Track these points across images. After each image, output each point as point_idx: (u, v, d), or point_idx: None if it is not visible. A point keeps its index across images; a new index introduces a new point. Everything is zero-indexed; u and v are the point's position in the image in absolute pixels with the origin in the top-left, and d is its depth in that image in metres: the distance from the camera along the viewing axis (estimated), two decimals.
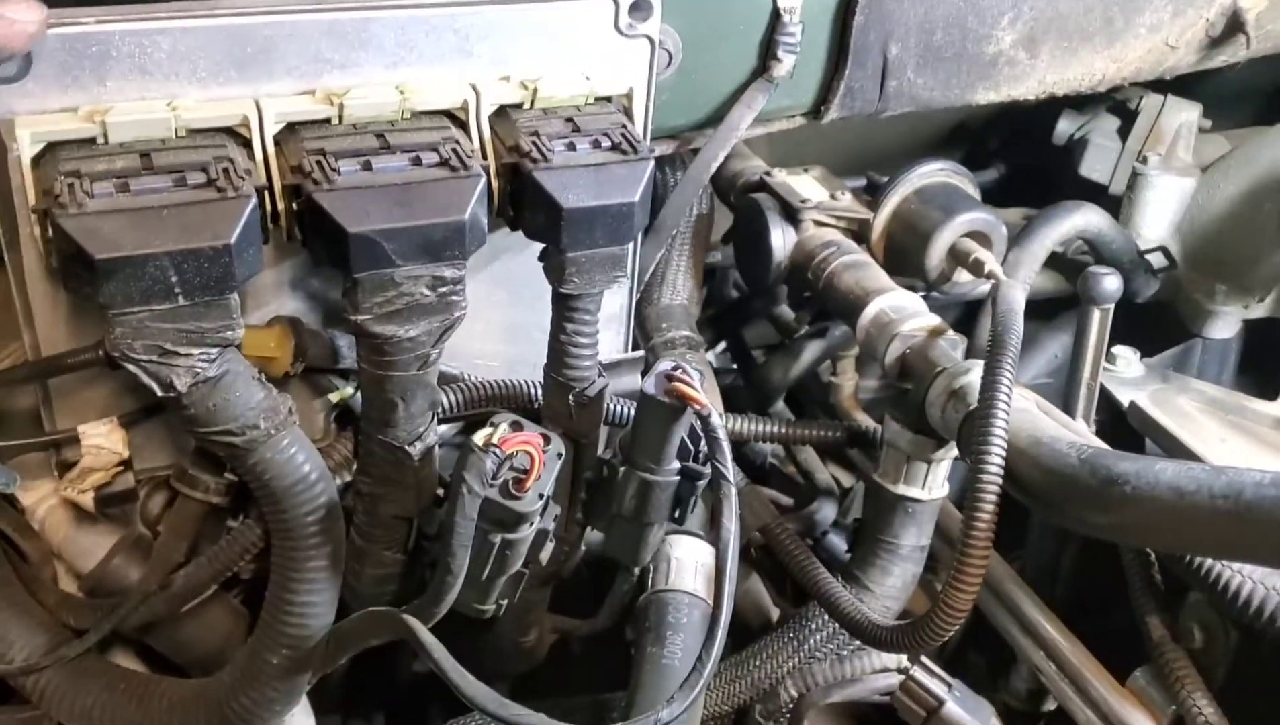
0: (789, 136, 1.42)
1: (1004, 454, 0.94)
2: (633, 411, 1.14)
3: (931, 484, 1.13)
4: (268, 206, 0.89)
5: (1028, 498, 0.96)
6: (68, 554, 1.09)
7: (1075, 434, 1.01)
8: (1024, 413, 1.00)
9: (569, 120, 0.99)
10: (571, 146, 0.97)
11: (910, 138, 1.85)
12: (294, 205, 0.90)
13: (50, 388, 1.00)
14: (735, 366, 1.76)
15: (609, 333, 1.21)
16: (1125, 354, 1.33)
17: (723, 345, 1.77)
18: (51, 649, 1.04)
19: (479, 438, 0.90)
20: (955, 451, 1.09)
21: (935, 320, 1.14)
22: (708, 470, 0.98)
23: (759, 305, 1.65)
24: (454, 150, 0.92)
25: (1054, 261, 1.49)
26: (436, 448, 1.03)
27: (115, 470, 1.04)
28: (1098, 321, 1.20)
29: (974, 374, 1.03)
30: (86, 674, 1.05)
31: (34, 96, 0.86)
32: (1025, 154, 1.82)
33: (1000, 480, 0.93)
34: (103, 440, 1.01)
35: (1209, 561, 0.98)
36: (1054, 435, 0.96)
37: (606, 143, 0.98)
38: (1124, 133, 1.66)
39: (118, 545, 1.08)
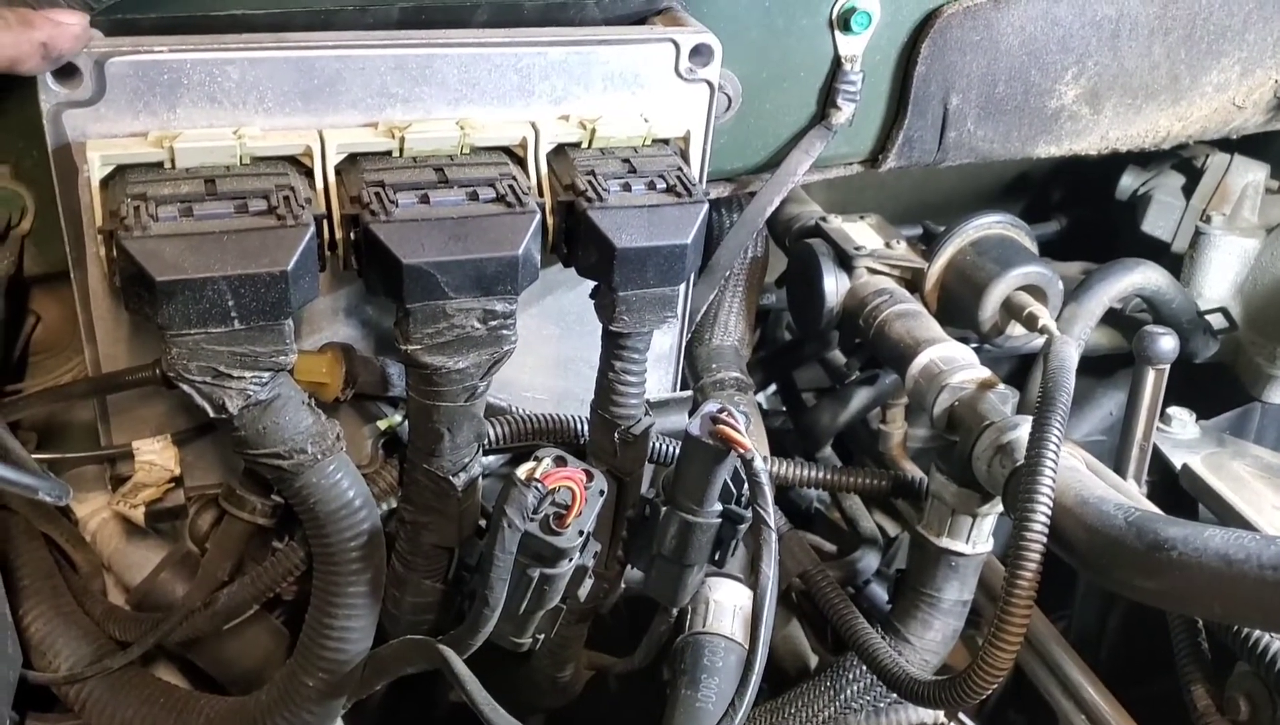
0: (847, 182, 1.42)
1: (1049, 512, 0.92)
2: (677, 451, 1.14)
3: (976, 538, 1.11)
4: (326, 235, 0.91)
5: (1072, 558, 0.95)
6: (117, 567, 1.11)
7: (1124, 495, 0.99)
8: (1071, 471, 0.99)
9: (625, 161, 1.00)
10: (627, 187, 0.98)
11: (970, 188, 1.84)
12: (351, 235, 0.91)
13: (108, 404, 1.02)
14: (785, 409, 1.75)
15: (658, 371, 1.22)
16: (1180, 415, 1.31)
17: (773, 387, 1.77)
18: (96, 660, 1.06)
19: (522, 472, 0.90)
20: (1001, 507, 1.08)
21: (985, 373, 1.13)
22: (749, 514, 0.98)
23: (811, 349, 1.65)
24: (511, 186, 0.93)
25: (1112, 318, 1.48)
26: (481, 479, 1.04)
27: (166, 487, 1.06)
28: (1152, 381, 1.19)
29: (1022, 430, 1.02)
30: (127, 686, 1.06)
31: (106, 120, 0.89)
32: (1087, 208, 1.81)
33: (1045, 538, 0.92)
34: (156, 457, 1.03)
35: (1257, 632, 0.96)
36: (1101, 495, 0.94)
37: (662, 184, 0.99)
38: (1188, 191, 1.64)
39: (165, 560, 1.10)
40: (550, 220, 0.97)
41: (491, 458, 1.16)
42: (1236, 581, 0.82)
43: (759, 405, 1.61)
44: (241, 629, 1.10)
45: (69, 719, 1.09)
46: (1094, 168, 1.72)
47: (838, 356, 1.63)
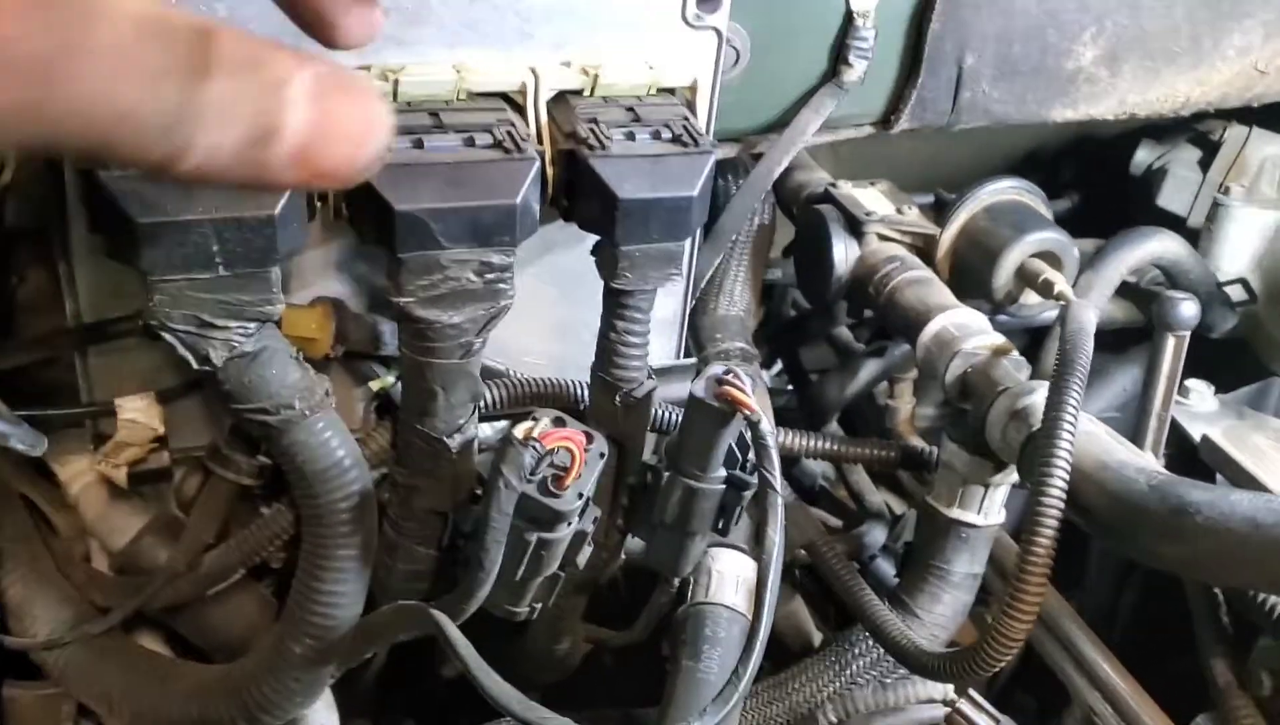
0: (855, 154, 1.38)
1: (1067, 478, 0.89)
2: (680, 419, 1.11)
3: (988, 509, 1.08)
4: None
5: (1092, 525, 0.91)
6: (100, 531, 1.08)
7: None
8: (1091, 436, 0.95)
9: (629, 109, 0.96)
10: (630, 136, 0.94)
11: (982, 162, 1.80)
12: None
13: (89, 358, 0.98)
14: (790, 387, 1.72)
15: (662, 338, 1.18)
16: (1199, 387, 1.28)
17: (779, 366, 1.73)
18: (75, 625, 1.03)
19: (519, 431, 0.87)
20: (1014, 476, 1.05)
21: (999, 339, 1.10)
22: (754, 480, 0.95)
23: (817, 325, 1.61)
24: (509, 132, 0.90)
25: (1127, 291, 1.45)
26: (477, 445, 1.00)
27: (150, 447, 1.02)
28: (1172, 348, 1.15)
29: (1038, 395, 0.99)
30: (108, 653, 1.03)
31: None
32: (1101, 184, 1.77)
33: (1062, 505, 0.88)
34: (139, 415, 1.00)
35: None
36: (1122, 459, 0.91)
37: (667, 134, 0.95)
38: (1205, 164, 1.60)
39: (149, 524, 1.07)
40: (550, 170, 0.94)
41: (489, 431, 1.12)
42: (1265, 547, 0.78)
43: (764, 378, 1.58)
44: (227, 595, 1.07)
45: (48, 686, 1.05)
46: (1109, 143, 1.69)
47: (844, 333, 1.59)
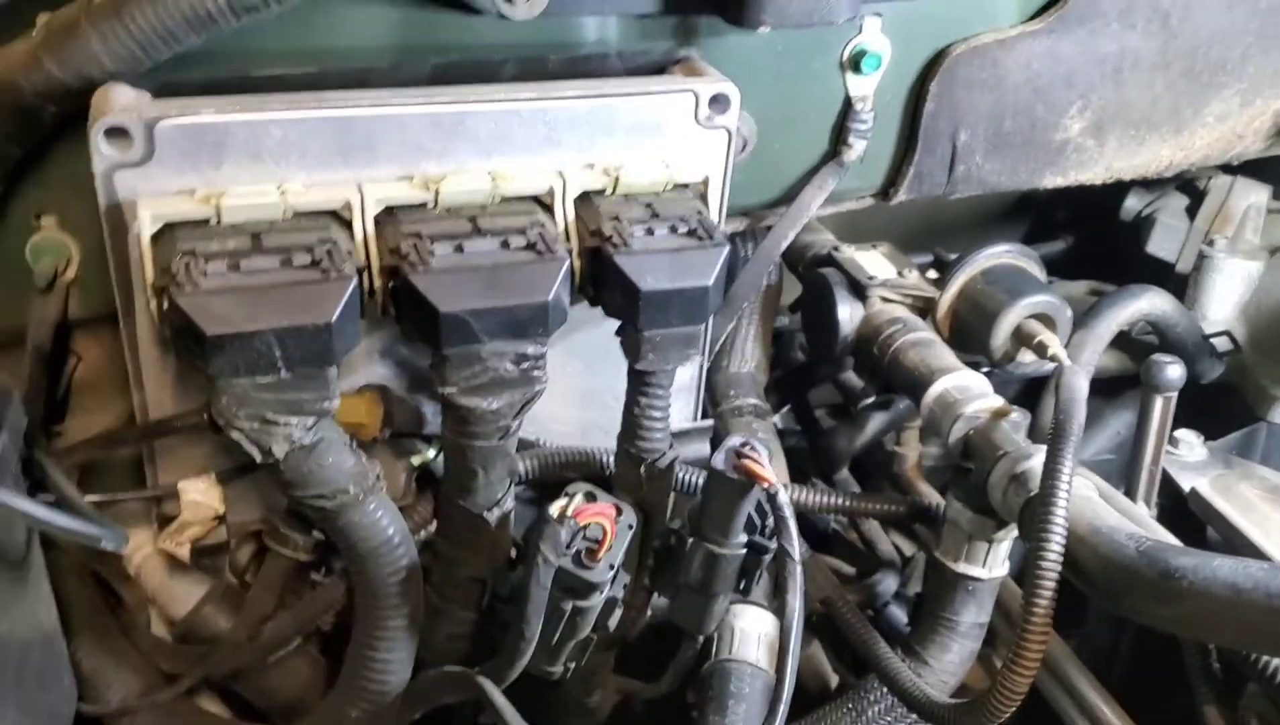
0: (857, 210, 1.45)
1: (1064, 541, 0.96)
2: (701, 480, 1.18)
3: (992, 563, 1.15)
4: (366, 285, 0.94)
5: (1086, 586, 0.98)
6: (161, 601, 1.15)
7: (1135, 520, 1.03)
8: (1085, 501, 1.02)
9: (648, 206, 1.03)
10: (650, 231, 1.01)
11: (978, 210, 1.88)
12: (390, 284, 0.95)
13: (155, 446, 1.06)
14: (800, 428, 1.78)
15: (679, 402, 1.25)
16: (1188, 438, 1.34)
17: (788, 407, 1.80)
18: (145, 692, 1.10)
19: (554, 509, 0.93)
20: (1015, 532, 1.11)
21: (999, 402, 1.17)
22: (773, 544, 1.01)
23: (825, 371, 1.68)
24: (540, 234, 0.97)
25: (1119, 341, 1.51)
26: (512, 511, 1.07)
27: (211, 524, 1.09)
28: (1160, 408, 1.22)
29: (1036, 459, 1.06)
30: (176, 717, 1.10)
31: (155, 179, 0.92)
32: (1093, 228, 1.84)
33: (1059, 566, 0.95)
34: (201, 496, 1.07)
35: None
36: (1113, 525, 0.98)
37: (684, 228, 1.02)
38: (1192, 211, 1.67)
39: (208, 595, 1.14)
40: (577, 264, 1.01)
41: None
42: (1245, 610, 0.85)
43: (775, 426, 1.65)
44: (281, 660, 1.14)
45: None
46: (1100, 188, 1.76)
47: (851, 377, 1.65)
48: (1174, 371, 1.20)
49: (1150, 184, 1.71)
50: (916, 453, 1.55)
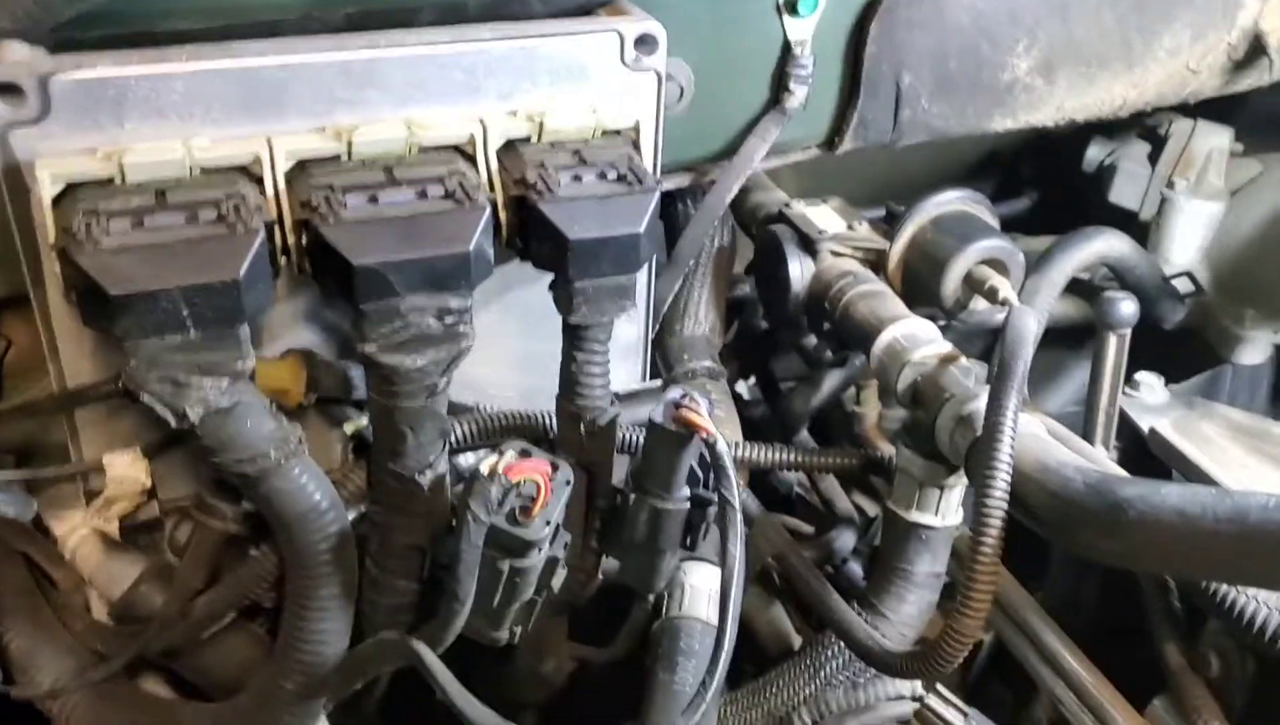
0: (815, 168, 1.43)
1: (1009, 479, 0.93)
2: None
3: (945, 510, 1.12)
4: (278, 241, 0.92)
5: (1035, 523, 0.96)
6: (98, 582, 1.12)
7: (1088, 460, 1.00)
8: (1031, 438, 0.99)
9: (576, 153, 1.01)
10: (577, 178, 0.98)
11: (939, 168, 1.85)
12: (303, 240, 0.92)
13: (77, 420, 1.03)
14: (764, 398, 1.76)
15: (626, 363, 1.22)
16: (1149, 380, 1.32)
17: (753, 379, 1.77)
18: (78, 673, 1.07)
19: (484, 466, 0.91)
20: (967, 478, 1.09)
21: (947, 347, 1.14)
22: (717, 497, 0.99)
23: (786, 337, 1.66)
24: (460, 183, 0.94)
25: (1081, 288, 1.49)
26: (449, 477, 1.05)
27: (139, 499, 1.06)
28: (1114, 347, 1.20)
29: (981, 400, 1.03)
30: (110, 698, 1.08)
31: (54, 138, 0.89)
32: (1057, 182, 1.81)
33: (1005, 505, 0.93)
34: (126, 470, 1.04)
35: (1224, 587, 0.97)
36: (1061, 459, 0.95)
37: (613, 175, 0.99)
38: (1154, 158, 1.65)
39: (145, 573, 1.11)
40: (503, 215, 0.98)
41: (472, 459, 1.16)
42: (1193, 537, 0.83)
43: (737, 394, 1.63)
44: (221, 637, 1.11)
45: None
46: (1062, 142, 1.73)
47: (812, 342, 1.63)
48: (1127, 307, 1.18)
49: (1112, 133, 1.69)
50: (875, 411, 1.52)
